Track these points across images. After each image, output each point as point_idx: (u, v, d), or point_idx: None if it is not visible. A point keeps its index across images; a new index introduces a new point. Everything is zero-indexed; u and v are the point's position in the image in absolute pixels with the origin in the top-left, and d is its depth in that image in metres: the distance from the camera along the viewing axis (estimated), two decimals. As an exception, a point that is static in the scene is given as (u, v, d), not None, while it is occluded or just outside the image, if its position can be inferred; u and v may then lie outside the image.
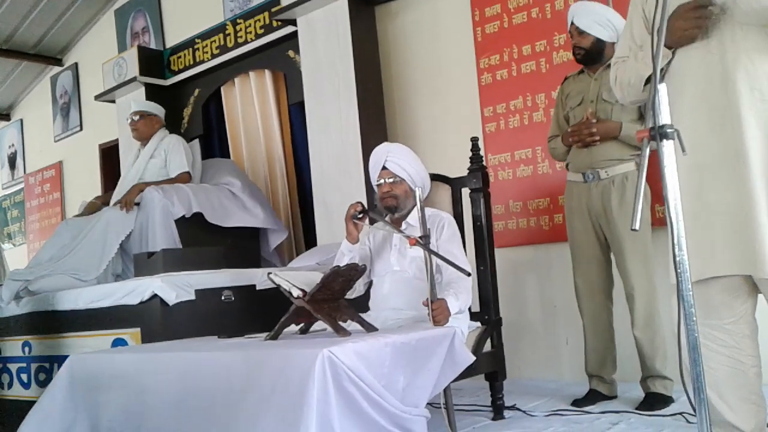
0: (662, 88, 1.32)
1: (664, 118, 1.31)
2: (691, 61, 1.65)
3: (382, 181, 2.65)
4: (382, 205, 2.65)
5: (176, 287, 2.86)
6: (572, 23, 2.82)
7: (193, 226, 3.83)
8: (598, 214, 2.78)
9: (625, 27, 1.92)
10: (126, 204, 3.77)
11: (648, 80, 1.74)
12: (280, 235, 4.33)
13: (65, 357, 2.39)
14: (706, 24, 1.61)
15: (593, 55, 2.82)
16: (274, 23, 4.53)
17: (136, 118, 4.17)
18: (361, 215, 2.59)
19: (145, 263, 3.17)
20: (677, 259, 1.31)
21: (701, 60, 1.64)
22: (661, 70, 1.70)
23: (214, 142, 5.29)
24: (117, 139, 5.71)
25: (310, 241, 4.46)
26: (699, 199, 1.62)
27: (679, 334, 1.38)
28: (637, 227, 1.27)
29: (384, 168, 2.64)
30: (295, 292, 2.11)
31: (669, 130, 1.30)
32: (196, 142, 4.46)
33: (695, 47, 1.65)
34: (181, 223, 3.77)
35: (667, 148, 1.31)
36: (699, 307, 1.64)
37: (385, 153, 2.66)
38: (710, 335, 1.69)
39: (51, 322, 3.27)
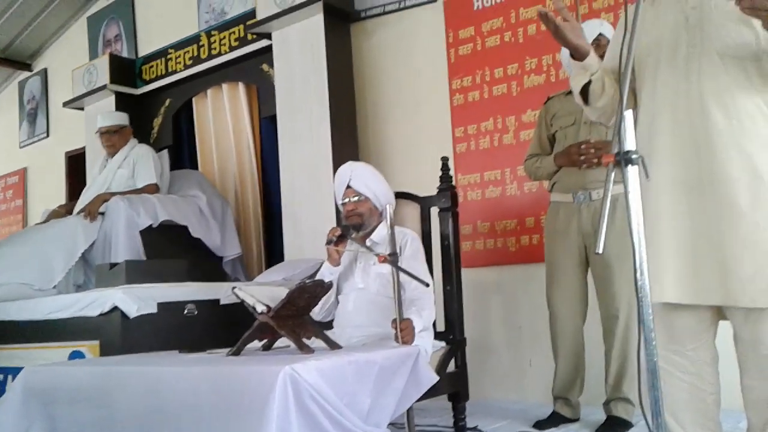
0: (628, 114, 1.34)
1: (629, 143, 1.33)
2: (670, 88, 1.67)
3: (347, 199, 2.67)
4: (348, 223, 2.66)
5: (138, 299, 2.81)
6: (602, 35, 2.75)
7: (158, 238, 3.78)
8: (587, 235, 2.77)
9: (608, 48, 1.97)
10: (90, 213, 3.70)
11: (584, 88, 1.77)
12: (235, 253, 4.31)
13: (20, 369, 2.31)
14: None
15: None
16: (249, 36, 4.52)
17: (111, 132, 4.11)
18: (338, 239, 2.58)
19: (106, 274, 3.11)
20: (639, 283, 1.32)
21: (679, 88, 1.65)
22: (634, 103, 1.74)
23: (183, 153, 5.23)
24: (84, 147, 5.61)
25: (278, 255, 4.42)
26: (676, 224, 1.64)
27: (639, 359, 1.39)
28: (600, 251, 1.28)
29: (348, 187, 2.67)
30: (259, 308, 2.09)
31: (633, 156, 1.32)
32: (165, 153, 4.42)
33: (674, 73, 1.67)
34: (147, 234, 3.72)
35: (632, 173, 1.33)
36: (662, 332, 1.67)
37: (349, 172, 2.69)
38: (671, 360, 1.70)
39: (6, 333, 3.17)
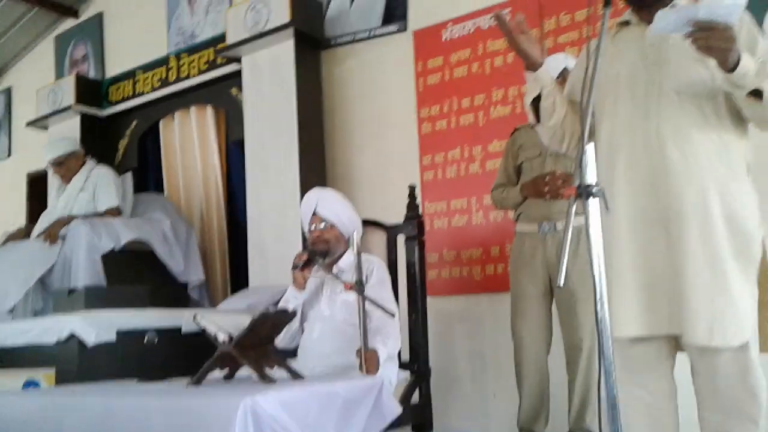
0: (589, 148, 1.37)
1: (590, 177, 1.35)
2: (629, 124, 1.71)
3: (313, 226, 2.66)
4: (316, 249, 2.65)
5: (96, 327, 2.74)
6: (566, 68, 2.77)
7: (120, 263, 3.70)
8: (552, 265, 2.78)
9: (567, 82, 2.00)
10: (51, 236, 3.62)
11: (536, 99, 1.81)
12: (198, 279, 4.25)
13: (-32, 398, 2.23)
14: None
15: None
16: (219, 60, 4.51)
17: (57, 164, 4.05)
18: (304, 265, 2.57)
19: (64, 300, 3.04)
20: (599, 316, 1.33)
21: (636, 124, 1.69)
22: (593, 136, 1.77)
23: (149, 175, 5.17)
24: (46, 168, 5.50)
25: (243, 281, 4.36)
26: (634, 257, 1.66)
27: (599, 390, 1.40)
28: (561, 284, 1.29)
29: (315, 213, 2.67)
30: (221, 337, 2.05)
31: (594, 189, 1.34)
32: (128, 175, 4.36)
33: (632, 110, 1.71)
34: (109, 258, 3.64)
35: (593, 206, 1.35)
36: (622, 364, 1.68)
37: (315, 198, 2.69)
38: (631, 393, 1.71)
39: (-42, 359, 3.06)
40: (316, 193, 2.74)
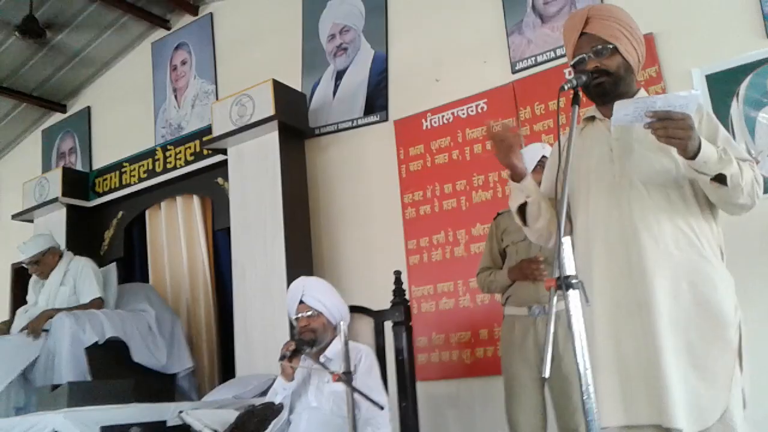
0: (566, 241, 1.42)
1: (569, 268, 1.40)
2: (600, 216, 1.78)
3: (300, 314, 2.66)
4: (303, 338, 2.64)
5: (79, 424, 2.67)
6: (544, 156, 2.84)
7: (105, 355, 3.66)
8: (543, 349, 2.75)
9: (543, 176, 2.08)
10: (34, 330, 3.58)
11: (521, 208, 1.90)
12: (186, 370, 4.18)
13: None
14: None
15: None
16: (205, 151, 4.61)
17: (33, 263, 4.04)
18: (292, 354, 2.55)
19: (47, 396, 2.98)
20: (586, 407, 1.34)
21: (609, 215, 1.76)
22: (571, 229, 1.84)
23: (135, 265, 5.17)
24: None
25: (231, 370, 4.30)
26: (611, 348, 1.69)
27: (589, 481, 1.39)
28: (547, 374, 1.31)
29: (301, 302, 2.68)
30: (208, 433, 2.02)
31: (573, 281, 1.38)
32: (113, 266, 4.35)
33: (604, 201, 1.78)
34: (93, 351, 3.59)
35: (573, 297, 1.38)
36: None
37: (301, 287, 2.70)
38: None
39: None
40: (302, 282, 2.76)
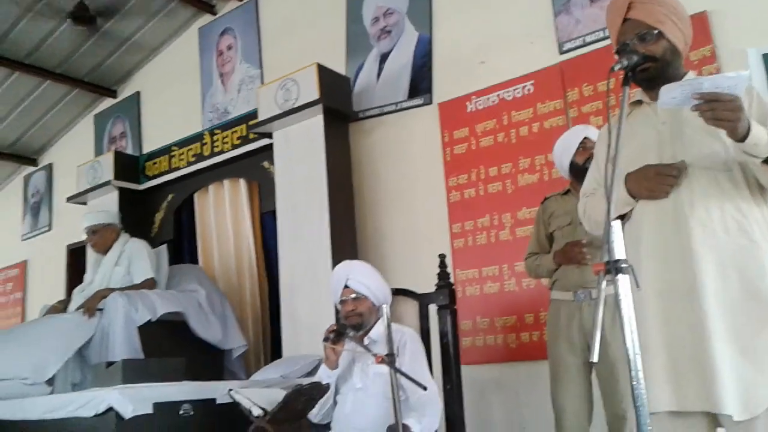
0: (615, 224, 1.40)
1: (619, 252, 1.38)
2: (646, 204, 1.75)
3: (345, 298, 2.68)
4: (347, 323, 2.66)
5: (133, 400, 2.76)
6: (587, 138, 2.84)
7: (157, 334, 3.76)
8: (590, 334, 2.71)
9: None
10: (89, 309, 3.71)
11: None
12: (241, 348, 4.27)
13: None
14: (672, 189, 1.71)
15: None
16: (251, 135, 4.67)
17: (90, 233, 4.17)
18: (335, 337, 2.57)
19: (103, 373, 3.08)
20: (635, 392, 1.33)
21: (656, 202, 1.73)
22: (625, 215, 1.80)
23: (184, 247, 5.28)
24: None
25: (278, 350, 4.39)
26: (661, 332, 1.67)
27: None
28: (595, 359, 1.30)
29: (346, 286, 2.69)
30: (255, 411, 2.08)
31: (623, 265, 1.36)
32: (164, 248, 4.45)
33: None
34: (146, 330, 3.70)
35: (623, 281, 1.37)
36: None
37: (347, 271, 2.72)
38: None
39: (-2, 434, 3.11)
40: (347, 266, 2.78)
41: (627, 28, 1.79)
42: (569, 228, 2.87)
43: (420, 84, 4.26)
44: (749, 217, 1.67)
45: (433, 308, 2.99)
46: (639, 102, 1.87)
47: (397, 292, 2.97)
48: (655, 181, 1.72)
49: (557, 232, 2.93)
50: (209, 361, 4.05)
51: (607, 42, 3.43)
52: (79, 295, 4.10)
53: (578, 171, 2.79)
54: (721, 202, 1.67)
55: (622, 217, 1.80)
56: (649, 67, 1.75)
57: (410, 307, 3.01)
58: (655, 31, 1.76)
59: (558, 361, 2.83)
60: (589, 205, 1.94)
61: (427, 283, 3.08)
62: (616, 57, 1.81)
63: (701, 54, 3.11)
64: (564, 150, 2.89)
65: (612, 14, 1.84)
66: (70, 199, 5.72)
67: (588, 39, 3.57)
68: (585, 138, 2.83)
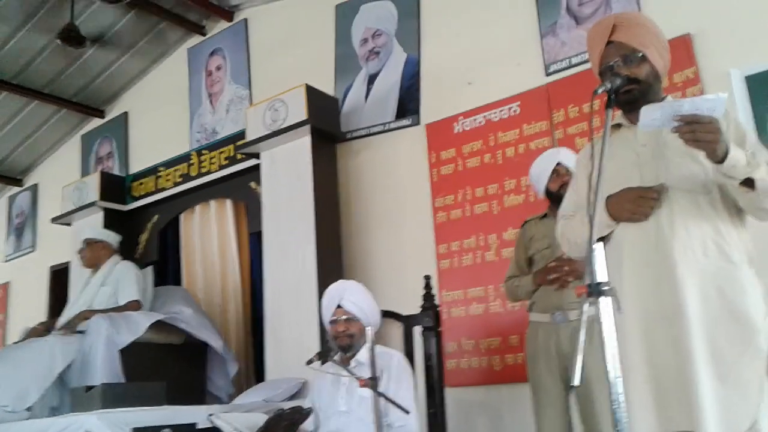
0: (598, 247, 1.38)
1: (601, 275, 1.36)
2: (626, 226, 1.75)
3: (336, 318, 2.65)
4: (337, 344, 2.63)
5: (112, 425, 2.71)
6: (559, 163, 2.88)
7: (140, 357, 3.70)
8: (567, 356, 2.74)
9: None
10: (69, 327, 3.66)
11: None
12: (231, 366, 4.21)
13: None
14: (653, 211, 1.71)
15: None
16: (238, 156, 4.65)
17: (83, 246, 4.18)
18: (319, 358, 2.55)
19: (82, 398, 3.03)
20: (616, 416, 1.31)
21: (637, 224, 1.73)
22: (605, 237, 1.79)
23: (168, 269, 5.23)
24: (69, 262, 5.60)
25: (262, 373, 4.32)
26: (643, 355, 1.66)
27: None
28: (577, 383, 1.28)
29: (339, 306, 2.65)
30: (236, 437, 2.03)
31: (605, 288, 1.35)
32: (149, 270, 4.41)
33: None
34: (128, 353, 3.64)
35: (604, 304, 1.35)
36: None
37: (341, 291, 2.68)
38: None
39: (-27, 461, 3.04)
40: (341, 285, 2.73)
41: (611, 50, 1.80)
42: (548, 251, 2.89)
43: (408, 105, 4.27)
44: (728, 239, 1.68)
45: (418, 330, 2.96)
46: (618, 125, 1.88)
47: (382, 314, 2.94)
48: (636, 204, 1.72)
49: (537, 255, 2.94)
50: (191, 385, 3.99)
51: (592, 64, 3.45)
52: (68, 313, 4.04)
53: (556, 197, 2.84)
54: (700, 224, 1.68)
55: (602, 239, 1.79)
56: (632, 89, 1.77)
57: (395, 329, 2.98)
58: (639, 54, 1.77)
59: (537, 384, 2.83)
60: (568, 228, 1.93)
61: (413, 305, 3.06)
62: (600, 79, 1.82)
63: (685, 76, 3.13)
64: (538, 177, 2.94)
65: (595, 36, 1.85)
66: (54, 220, 5.66)
67: (574, 61, 3.59)
68: (558, 164, 2.87)
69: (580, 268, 2.72)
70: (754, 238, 1.76)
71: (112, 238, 4.29)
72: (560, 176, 2.83)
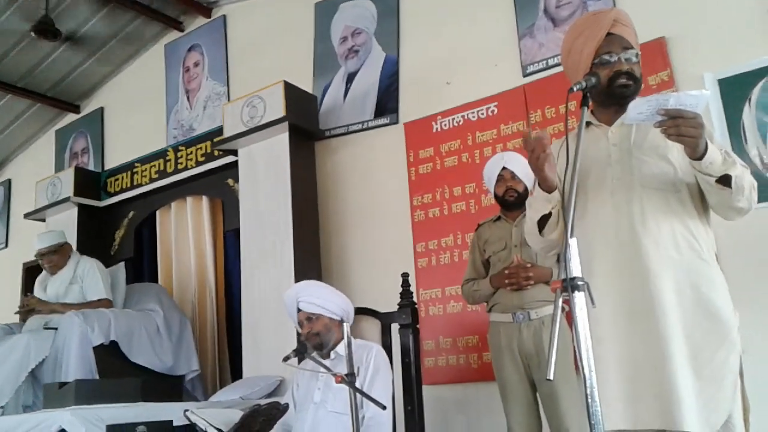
0: (573, 242, 1.40)
1: (575, 270, 1.38)
2: (600, 219, 1.77)
3: (300, 320, 2.67)
4: (309, 344, 2.63)
5: (86, 422, 2.69)
6: (504, 168, 2.96)
7: (114, 353, 3.68)
8: (529, 355, 2.79)
9: (535, 181, 2.06)
10: (36, 306, 3.65)
11: (541, 222, 1.84)
12: (191, 373, 4.19)
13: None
14: (535, 154, 1.73)
15: (522, 200, 2.97)
16: (216, 152, 4.62)
17: (50, 253, 4.06)
18: (295, 356, 2.54)
19: (55, 394, 2.99)
20: (591, 410, 1.33)
21: (610, 218, 1.75)
22: (550, 213, 1.82)
23: (144, 265, 5.19)
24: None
25: (238, 371, 4.31)
26: (619, 350, 1.68)
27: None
28: (551, 377, 1.29)
29: (299, 309, 2.67)
30: (212, 432, 2.02)
31: (579, 283, 1.37)
32: (121, 266, 4.38)
33: (604, 205, 1.77)
34: (102, 349, 3.61)
35: (578, 299, 1.37)
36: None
37: (294, 295, 2.71)
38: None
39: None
40: (294, 290, 2.75)
41: (612, 41, 1.79)
42: (504, 252, 2.94)
43: (386, 104, 4.28)
44: (697, 236, 1.71)
45: (395, 327, 2.97)
46: (588, 124, 1.89)
47: (360, 311, 2.94)
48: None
49: (493, 258, 2.99)
50: (167, 383, 3.96)
51: (570, 65, 3.49)
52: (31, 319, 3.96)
53: (502, 202, 2.97)
54: (671, 221, 1.71)
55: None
56: (630, 85, 1.78)
57: (373, 326, 2.98)
58: (637, 52, 1.80)
59: (504, 381, 2.88)
60: (526, 221, 1.96)
61: (391, 302, 3.06)
62: (587, 68, 1.81)
63: (659, 78, 3.18)
64: (488, 183, 3.05)
65: (593, 25, 1.83)
66: (27, 215, 5.58)
67: (551, 62, 3.63)
68: (503, 169, 2.95)
69: (536, 274, 2.80)
70: (717, 237, 1.80)
71: (65, 237, 4.22)
72: (505, 181, 2.94)
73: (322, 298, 2.68)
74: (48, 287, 4.05)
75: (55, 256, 4.09)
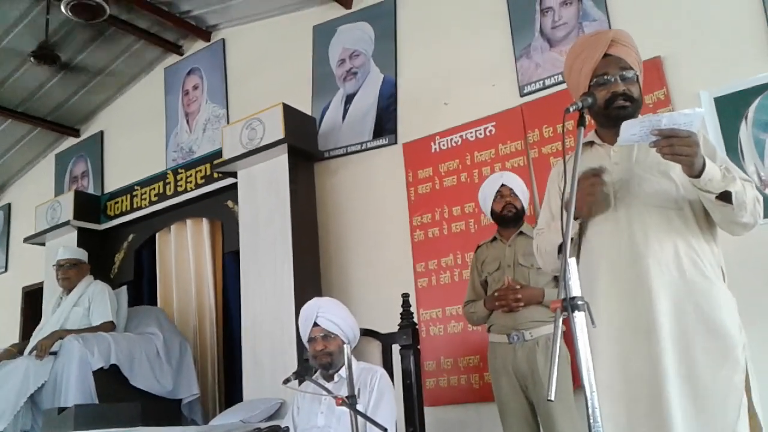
0: (572, 262, 1.40)
1: (575, 290, 1.38)
2: (603, 238, 1.77)
3: (314, 336, 2.63)
4: (316, 362, 2.61)
5: (85, 447, 2.67)
6: (503, 185, 2.99)
7: (113, 378, 3.66)
8: (524, 376, 2.80)
9: (544, 201, 2.06)
10: (42, 349, 3.59)
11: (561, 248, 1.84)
12: (190, 397, 4.16)
13: None
14: (598, 191, 1.73)
15: (519, 217, 3.00)
16: (215, 175, 4.63)
17: (69, 266, 4.09)
18: (296, 378, 2.53)
19: (54, 419, 2.98)
20: (593, 430, 1.32)
21: (612, 237, 1.76)
22: (572, 239, 1.81)
23: (143, 288, 5.17)
24: (42, 282, 5.51)
25: (237, 394, 4.28)
26: (618, 369, 1.67)
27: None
28: (552, 397, 1.29)
29: (315, 324, 2.63)
30: (212, 457, 2.00)
31: (579, 302, 1.36)
32: (123, 289, 4.37)
33: (606, 223, 1.77)
34: (101, 374, 3.59)
35: (579, 319, 1.37)
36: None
37: (315, 308, 2.66)
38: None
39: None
40: (315, 303, 2.70)
41: (610, 62, 1.81)
42: (498, 273, 2.98)
43: (385, 124, 4.30)
44: (701, 254, 1.70)
45: (396, 348, 2.95)
46: (591, 143, 1.91)
47: (361, 332, 2.93)
48: (582, 187, 1.71)
49: (489, 278, 3.03)
50: (166, 407, 3.94)
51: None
52: (36, 336, 3.97)
53: (499, 218, 3.02)
54: (674, 240, 1.70)
55: (577, 255, 1.82)
56: (628, 106, 1.79)
57: (373, 347, 2.97)
58: (635, 73, 1.81)
59: (501, 401, 2.90)
60: (540, 239, 1.96)
61: (391, 323, 3.06)
62: (586, 88, 1.82)
63: (656, 97, 3.20)
64: (484, 200, 3.09)
65: (590, 46, 1.85)
66: (27, 239, 5.58)
67: (547, 82, 3.65)
68: (501, 185, 3.00)
69: (526, 295, 2.82)
70: (726, 253, 1.79)
71: (86, 258, 4.25)
72: (504, 197, 2.99)
73: (341, 318, 2.66)
74: (56, 310, 4.05)
75: (72, 270, 4.11)
